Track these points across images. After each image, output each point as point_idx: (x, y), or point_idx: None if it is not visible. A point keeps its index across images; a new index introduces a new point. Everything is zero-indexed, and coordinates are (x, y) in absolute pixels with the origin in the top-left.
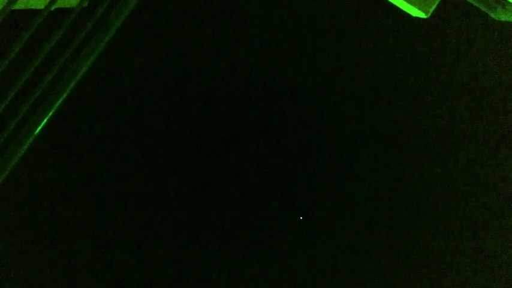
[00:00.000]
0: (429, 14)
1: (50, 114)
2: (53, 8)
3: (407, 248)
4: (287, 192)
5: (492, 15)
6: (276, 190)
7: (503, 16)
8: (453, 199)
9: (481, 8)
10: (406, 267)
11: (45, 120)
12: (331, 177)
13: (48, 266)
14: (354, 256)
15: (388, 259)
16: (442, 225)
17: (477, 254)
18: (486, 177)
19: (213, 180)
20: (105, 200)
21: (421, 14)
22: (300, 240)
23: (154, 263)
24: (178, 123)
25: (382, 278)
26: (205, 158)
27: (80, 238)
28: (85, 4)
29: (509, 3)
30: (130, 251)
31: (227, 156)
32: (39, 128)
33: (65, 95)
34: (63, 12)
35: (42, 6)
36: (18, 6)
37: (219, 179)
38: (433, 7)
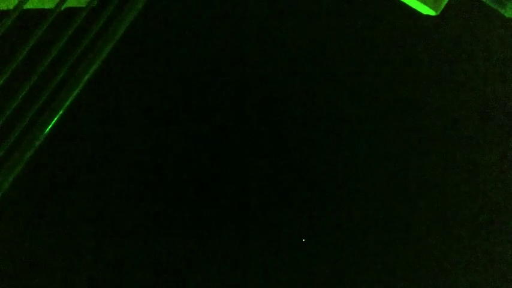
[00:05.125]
0: (439, 12)
1: (60, 113)
2: (63, 8)
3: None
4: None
5: (502, 12)
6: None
7: None
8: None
9: (490, 5)
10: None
11: (54, 120)
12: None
13: (49, 266)
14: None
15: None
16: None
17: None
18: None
19: (211, 193)
20: (107, 201)
21: (431, 12)
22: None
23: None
24: (185, 122)
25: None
26: (207, 161)
27: (82, 238)
28: (94, 3)
29: None
30: (131, 250)
31: (229, 162)
32: (48, 128)
33: (73, 96)
34: (73, 11)
35: (52, 6)
36: (29, 6)
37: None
38: (443, 4)
